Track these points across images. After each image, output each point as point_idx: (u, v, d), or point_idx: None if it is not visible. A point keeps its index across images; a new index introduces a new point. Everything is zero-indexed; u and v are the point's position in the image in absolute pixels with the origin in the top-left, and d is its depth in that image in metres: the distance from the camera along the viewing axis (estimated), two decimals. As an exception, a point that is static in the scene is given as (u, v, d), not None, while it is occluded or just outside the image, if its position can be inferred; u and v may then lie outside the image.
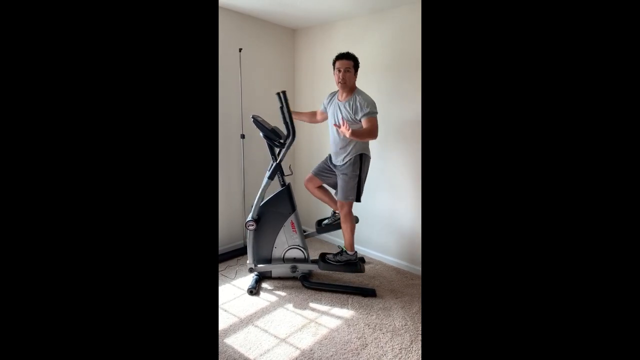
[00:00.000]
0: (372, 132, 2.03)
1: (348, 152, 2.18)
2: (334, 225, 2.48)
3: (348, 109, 2.13)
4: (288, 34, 3.21)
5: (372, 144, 2.38)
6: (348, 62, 2.11)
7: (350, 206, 2.27)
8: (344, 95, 2.18)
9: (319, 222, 2.60)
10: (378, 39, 2.65)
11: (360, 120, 2.09)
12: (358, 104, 2.08)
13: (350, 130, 1.90)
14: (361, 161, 2.19)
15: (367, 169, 2.27)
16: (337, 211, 2.44)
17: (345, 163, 2.20)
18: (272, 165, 2.36)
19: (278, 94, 2.28)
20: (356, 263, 2.32)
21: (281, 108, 2.28)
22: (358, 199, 2.24)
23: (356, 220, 2.42)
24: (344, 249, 2.35)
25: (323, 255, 2.40)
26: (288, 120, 2.25)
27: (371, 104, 2.09)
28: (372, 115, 2.06)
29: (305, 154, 3.30)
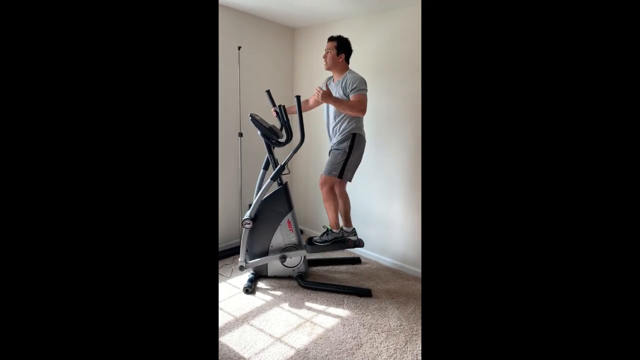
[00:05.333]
0: (356, 105, 2.09)
1: (341, 130, 2.23)
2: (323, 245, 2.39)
3: (340, 88, 2.20)
4: (287, 33, 3.21)
5: (369, 144, 2.38)
6: (330, 44, 2.23)
7: (332, 183, 2.26)
8: (336, 76, 2.29)
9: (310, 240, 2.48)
10: (377, 39, 2.65)
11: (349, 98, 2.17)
12: (347, 81, 2.16)
13: (322, 92, 2.03)
14: (353, 140, 2.21)
15: (360, 151, 2.28)
16: (330, 228, 2.36)
17: (338, 141, 2.25)
18: (267, 162, 2.36)
19: (280, 106, 2.36)
20: (343, 240, 2.34)
21: (279, 116, 2.37)
22: (340, 176, 2.24)
23: (359, 243, 2.41)
24: (329, 228, 2.35)
25: (310, 239, 2.41)
26: (299, 125, 2.25)
27: (360, 81, 2.14)
28: (359, 91, 2.12)
29: (303, 153, 3.30)
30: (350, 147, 2.21)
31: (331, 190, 2.28)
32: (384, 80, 2.64)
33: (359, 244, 2.44)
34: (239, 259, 2.39)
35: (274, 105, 2.46)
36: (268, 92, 2.46)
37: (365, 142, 2.30)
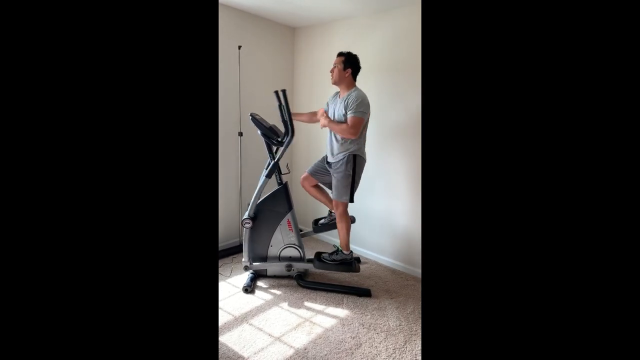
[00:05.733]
0: (347, 129, 2.11)
1: (342, 150, 2.22)
2: (330, 224, 2.49)
3: (343, 105, 2.19)
4: (288, 33, 3.21)
5: (369, 144, 2.38)
6: (338, 59, 2.23)
7: (346, 206, 2.28)
8: (342, 92, 2.26)
9: (316, 222, 2.62)
10: (378, 40, 2.66)
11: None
12: (350, 100, 2.15)
13: (324, 117, 2.17)
14: (354, 162, 2.22)
15: (361, 171, 2.29)
16: (333, 211, 2.45)
17: (339, 161, 2.23)
18: (269, 163, 2.36)
19: (276, 92, 2.28)
20: (351, 262, 2.34)
21: (280, 106, 2.29)
22: (351, 200, 2.26)
23: (352, 220, 2.45)
24: (340, 248, 2.36)
25: (319, 254, 2.41)
26: (287, 119, 2.25)
27: (360, 103, 2.11)
28: (356, 114, 2.11)
29: (303, 153, 3.30)
30: (353, 170, 2.22)
31: (345, 212, 2.29)
32: (385, 80, 2.65)
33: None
34: (243, 259, 2.40)
35: (287, 105, 2.31)
36: (276, 92, 2.31)
37: (365, 162, 2.31)
